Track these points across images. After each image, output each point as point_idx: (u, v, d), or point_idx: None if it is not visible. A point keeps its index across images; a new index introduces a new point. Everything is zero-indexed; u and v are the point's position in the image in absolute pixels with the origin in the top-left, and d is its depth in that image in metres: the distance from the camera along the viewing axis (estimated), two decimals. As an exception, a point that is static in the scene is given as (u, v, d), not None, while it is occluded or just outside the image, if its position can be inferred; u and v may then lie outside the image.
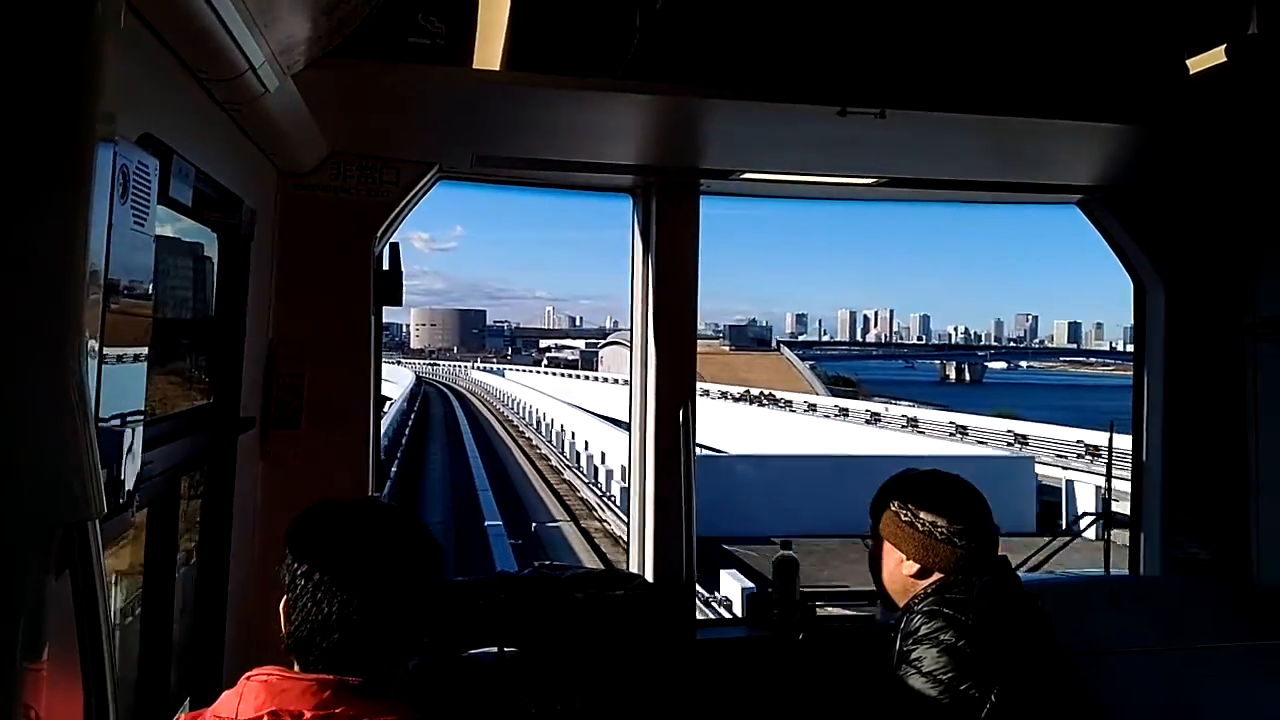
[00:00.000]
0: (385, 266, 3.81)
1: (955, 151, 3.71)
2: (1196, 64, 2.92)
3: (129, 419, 1.63)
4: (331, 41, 2.51)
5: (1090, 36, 3.01)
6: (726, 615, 12.94)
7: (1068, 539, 4.92)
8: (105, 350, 1.50)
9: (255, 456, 3.43)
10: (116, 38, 1.35)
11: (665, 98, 2.97)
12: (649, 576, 4.06)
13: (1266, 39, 2.71)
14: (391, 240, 3.86)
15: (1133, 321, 4.63)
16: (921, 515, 2.73)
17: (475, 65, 2.80)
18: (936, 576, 2.67)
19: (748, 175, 4.00)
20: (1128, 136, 3.47)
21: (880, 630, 3.04)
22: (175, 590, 2.70)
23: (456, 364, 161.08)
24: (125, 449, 1.61)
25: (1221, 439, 4.34)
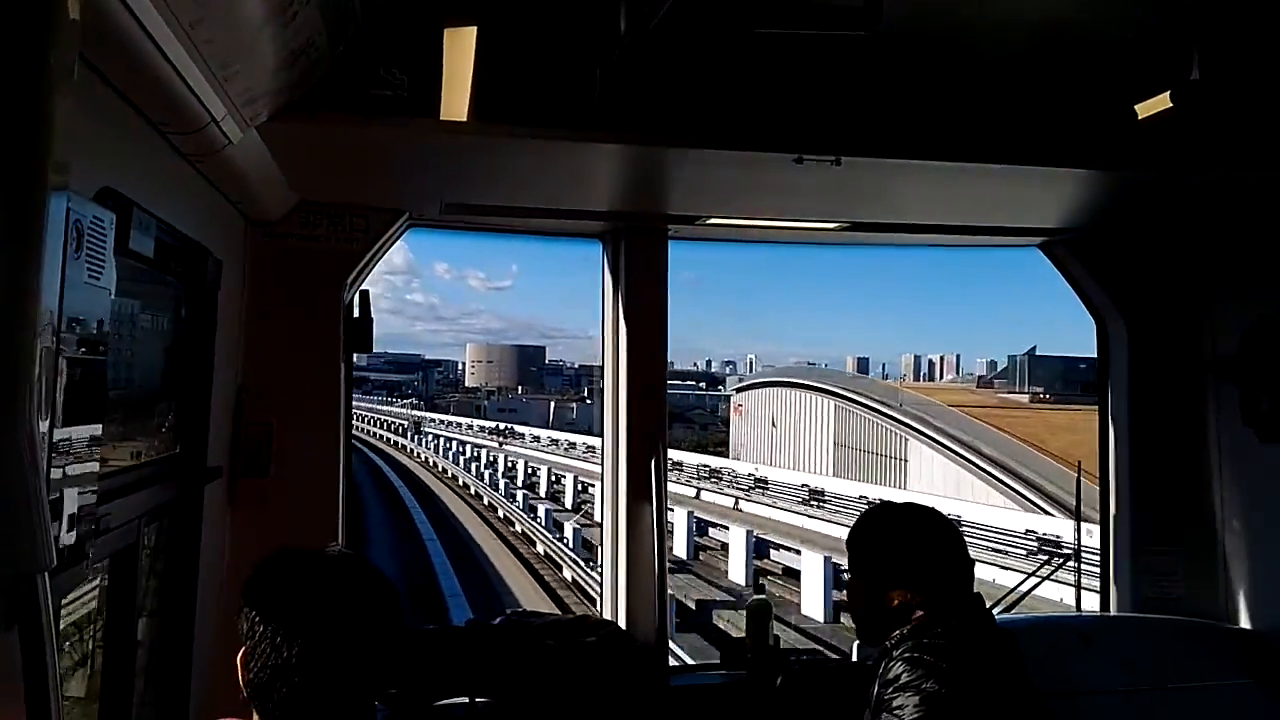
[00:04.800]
0: (355, 314, 3.83)
1: (915, 196, 3.78)
2: (1144, 109, 3.00)
3: (83, 472, 1.63)
4: (294, 94, 2.55)
5: (1042, 84, 3.09)
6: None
7: (1039, 580, 4.94)
8: (60, 403, 1.50)
9: (223, 505, 3.41)
10: (71, 92, 1.37)
11: (628, 146, 3.03)
12: (621, 623, 4.04)
13: (1208, 84, 2.79)
14: (362, 288, 3.88)
15: (1096, 362, 4.69)
16: (902, 549, 2.74)
17: (442, 115, 2.85)
18: (916, 614, 2.68)
19: (713, 220, 4.06)
20: (1084, 181, 3.55)
21: (855, 671, 3.03)
22: (137, 642, 2.67)
23: (556, 439, 68.97)
24: (79, 502, 1.61)
25: (1187, 476, 4.38)
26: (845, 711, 2.82)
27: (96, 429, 1.67)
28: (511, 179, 3.53)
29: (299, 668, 1.78)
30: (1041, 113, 3.14)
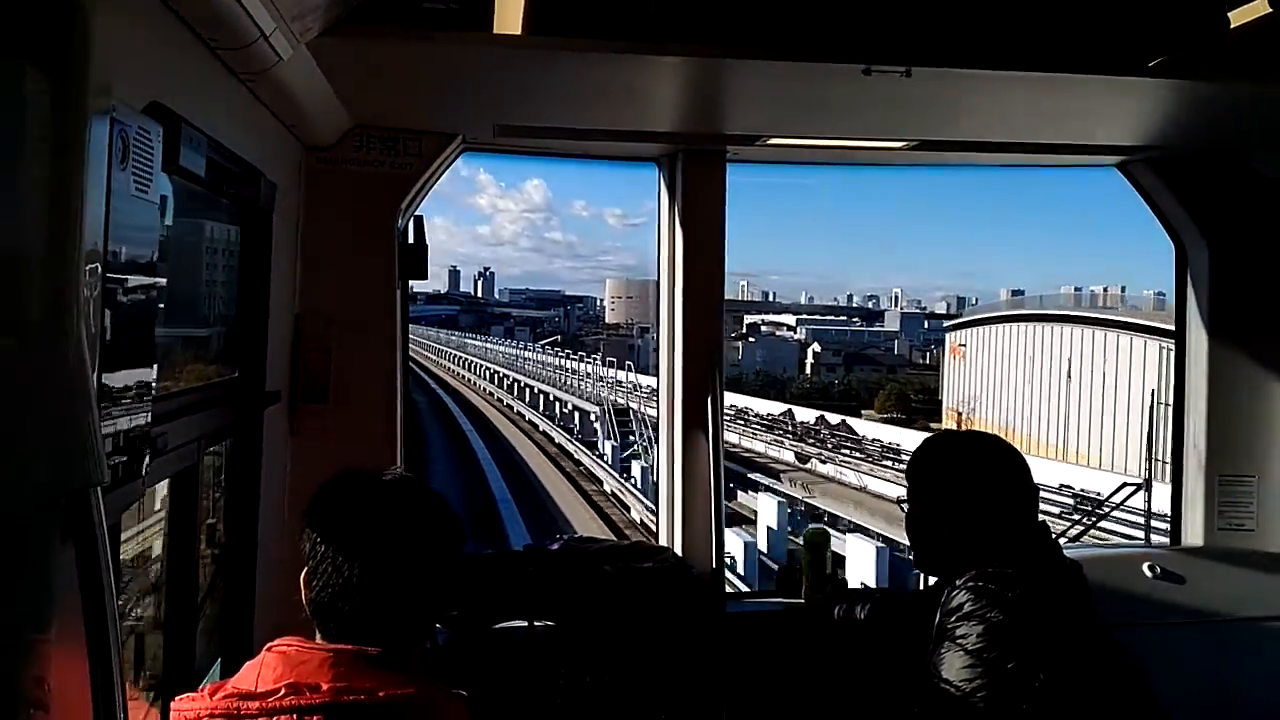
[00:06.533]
0: (410, 240, 3.80)
1: (987, 111, 3.60)
2: (1239, 16, 2.80)
3: (135, 389, 1.62)
4: (344, 9, 2.48)
5: None
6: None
7: (1108, 510, 4.84)
8: (109, 318, 1.48)
9: (284, 431, 3.45)
10: (118, 7, 1.33)
11: (687, 59, 2.93)
12: (678, 550, 4.04)
13: None
14: (416, 213, 3.85)
15: (1174, 287, 4.50)
16: (962, 478, 2.69)
17: (495, 30, 2.77)
18: (977, 542, 2.62)
19: (774, 141, 3.93)
20: (1168, 93, 3.35)
21: (916, 600, 2.99)
22: (199, 560, 2.71)
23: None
24: (131, 419, 1.60)
25: (1266, 406, 4.23)
26: (906, 640, 2.79)
27: (151, 345, 1.65)
28: (565, 98, 3.44)
29: (360, 587, 1.81)
30: (1125, 19, 2.94)
